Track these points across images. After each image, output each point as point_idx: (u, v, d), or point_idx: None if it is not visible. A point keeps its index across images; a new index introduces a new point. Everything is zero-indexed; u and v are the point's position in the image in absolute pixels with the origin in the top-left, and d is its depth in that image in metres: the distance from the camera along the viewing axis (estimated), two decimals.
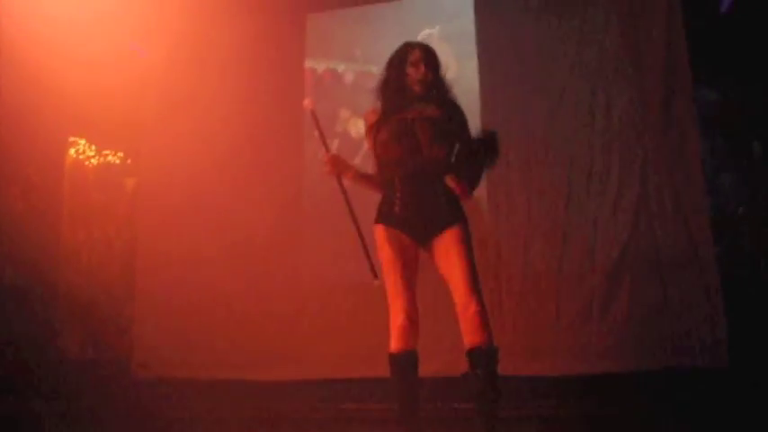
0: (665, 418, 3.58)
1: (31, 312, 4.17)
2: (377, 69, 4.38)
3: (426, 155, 2.51)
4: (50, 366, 4.19)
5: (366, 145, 2.78)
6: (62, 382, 4.10)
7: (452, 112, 2.62)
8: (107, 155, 5.89)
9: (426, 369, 3.64)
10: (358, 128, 4.51)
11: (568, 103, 4.21)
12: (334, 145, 4.64)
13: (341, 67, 4.67)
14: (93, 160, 5.88)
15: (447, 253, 2.50)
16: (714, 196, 4.82)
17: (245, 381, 4.15)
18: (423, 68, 2.61)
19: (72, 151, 5.71)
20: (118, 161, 5.91)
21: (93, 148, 5.88)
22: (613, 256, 4.00)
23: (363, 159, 4.54)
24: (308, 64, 4.69)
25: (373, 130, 2.63)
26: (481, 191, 4.18)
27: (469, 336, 2.39)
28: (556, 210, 4.11)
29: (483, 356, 2.37)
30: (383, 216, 2.60)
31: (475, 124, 4.24)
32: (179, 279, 4.41)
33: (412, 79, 2.61)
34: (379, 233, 2.58)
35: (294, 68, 4.68)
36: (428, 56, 2.65)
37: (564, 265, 4.04)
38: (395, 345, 2.43)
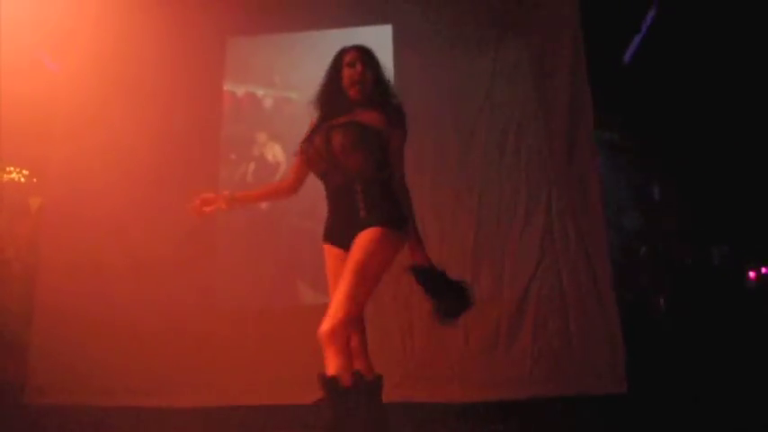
0: None
1: None
2: (296, 96, 4.45)
3: (342, 164, 2.30)
4: None
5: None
6: None
7: (395, 120, 2.37)
8: (11, 172, 5.63)
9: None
10: (274, 152, 4.51)
11: (479, 136, 4.37)
12: (251, 168, 4.62)
13: (260, 92, 4.67)
14: None
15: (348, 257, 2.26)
16: (618, 235, 5.07)
17: (148, 408, 3.98)
18: (360, 68, 2.39)
19: None
20: (23, 179, 5.66)
21: None
22: (520, 287, 4.14)
23: None
24: (228, 87, 4.68)
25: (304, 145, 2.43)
26: None
27: None
28: (465, 241, 4.22)
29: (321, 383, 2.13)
30: (324, 232, 2.44)
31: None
32: (81, 300, 4.20)
33: (348, 81, 2.40)
34: (324, 251, 2.45)
35: (213, 90, 4.64)
36: (366, 55, 2.43)
37: (473, 293, 4.13)
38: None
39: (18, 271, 5.22)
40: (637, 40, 5.25)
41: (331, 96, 2.44)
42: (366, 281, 2.21)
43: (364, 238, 2.25)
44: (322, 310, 3.65)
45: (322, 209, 2.42)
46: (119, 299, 4.24)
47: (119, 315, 4.21)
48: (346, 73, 2.40)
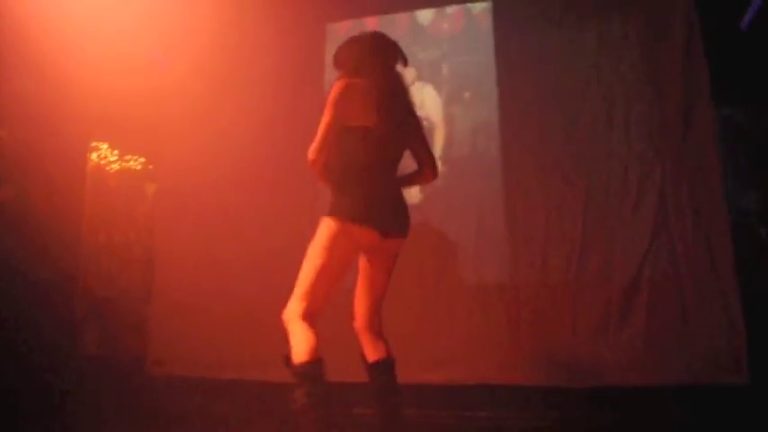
0: None
1: (52, 309, 4.24)
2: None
3: None
4: (69, 361, 4.27)
5: None
6: (80, 377, 4.17)
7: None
8: (129, 160, 5.98)
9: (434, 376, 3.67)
10: None
11: (587, 115, 4.19)
12: None
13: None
14: (114, 165, 5.97)
15: None
16: (736, 216, 4.73)
17: (255, 381, 4.17)
18: None
19: (94, 156, 5.81)
20: (139, 167, 6.00)
21: (116, 152, 5.98)
22: (631, 270, 3.95)
23: None
24: (329, 75, 4.74)
25: None
26: (498, 200, 4.19)
27: None
28: (573, 221, 4.08)
29: None
30: None
31: (495, 134, 4.29)
32: (196, 281, 4.46)
33: None
34: None
35: (316, 81, 4.67)
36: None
37: (581, 276, 4.00)
38: None
39: (138, 253, 5.56)
40: (756, 3, 4.87)
41: None
42: (311, 266, 2.55)
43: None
44: (417, 290, 3.73)
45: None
46: (228, 282, 4.45)
47: (228, 296, 4.43)
48: None
